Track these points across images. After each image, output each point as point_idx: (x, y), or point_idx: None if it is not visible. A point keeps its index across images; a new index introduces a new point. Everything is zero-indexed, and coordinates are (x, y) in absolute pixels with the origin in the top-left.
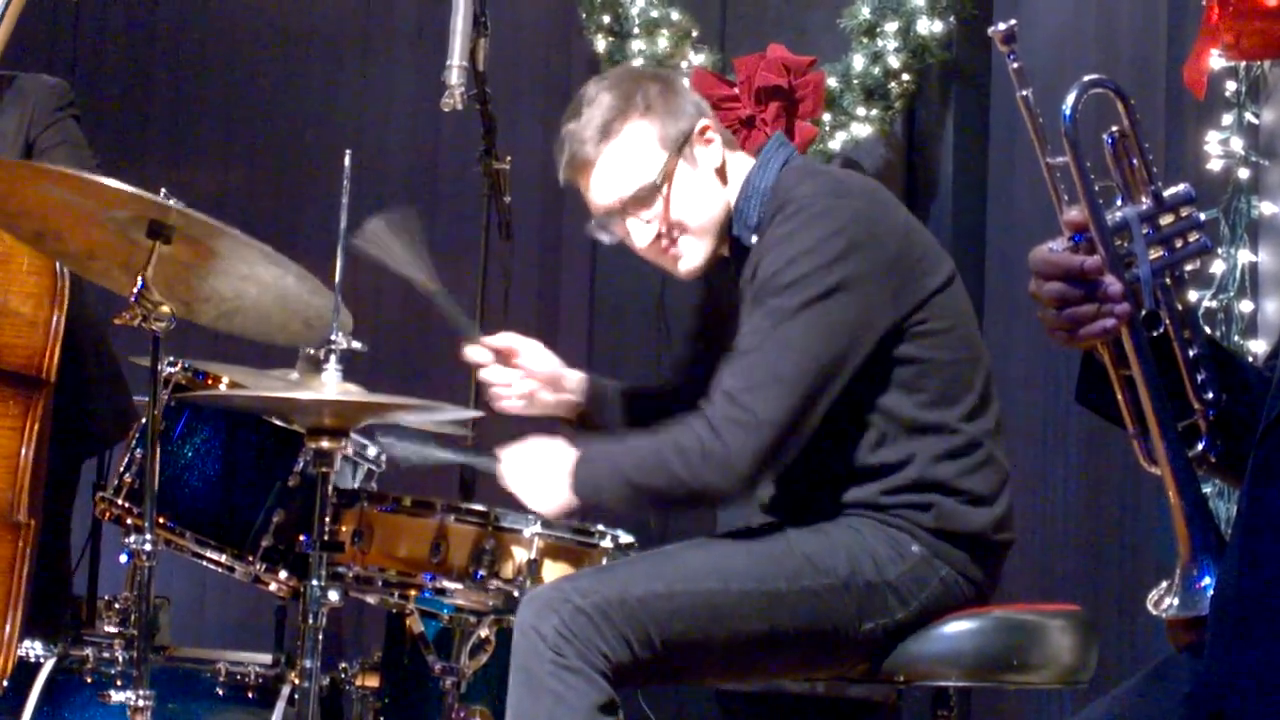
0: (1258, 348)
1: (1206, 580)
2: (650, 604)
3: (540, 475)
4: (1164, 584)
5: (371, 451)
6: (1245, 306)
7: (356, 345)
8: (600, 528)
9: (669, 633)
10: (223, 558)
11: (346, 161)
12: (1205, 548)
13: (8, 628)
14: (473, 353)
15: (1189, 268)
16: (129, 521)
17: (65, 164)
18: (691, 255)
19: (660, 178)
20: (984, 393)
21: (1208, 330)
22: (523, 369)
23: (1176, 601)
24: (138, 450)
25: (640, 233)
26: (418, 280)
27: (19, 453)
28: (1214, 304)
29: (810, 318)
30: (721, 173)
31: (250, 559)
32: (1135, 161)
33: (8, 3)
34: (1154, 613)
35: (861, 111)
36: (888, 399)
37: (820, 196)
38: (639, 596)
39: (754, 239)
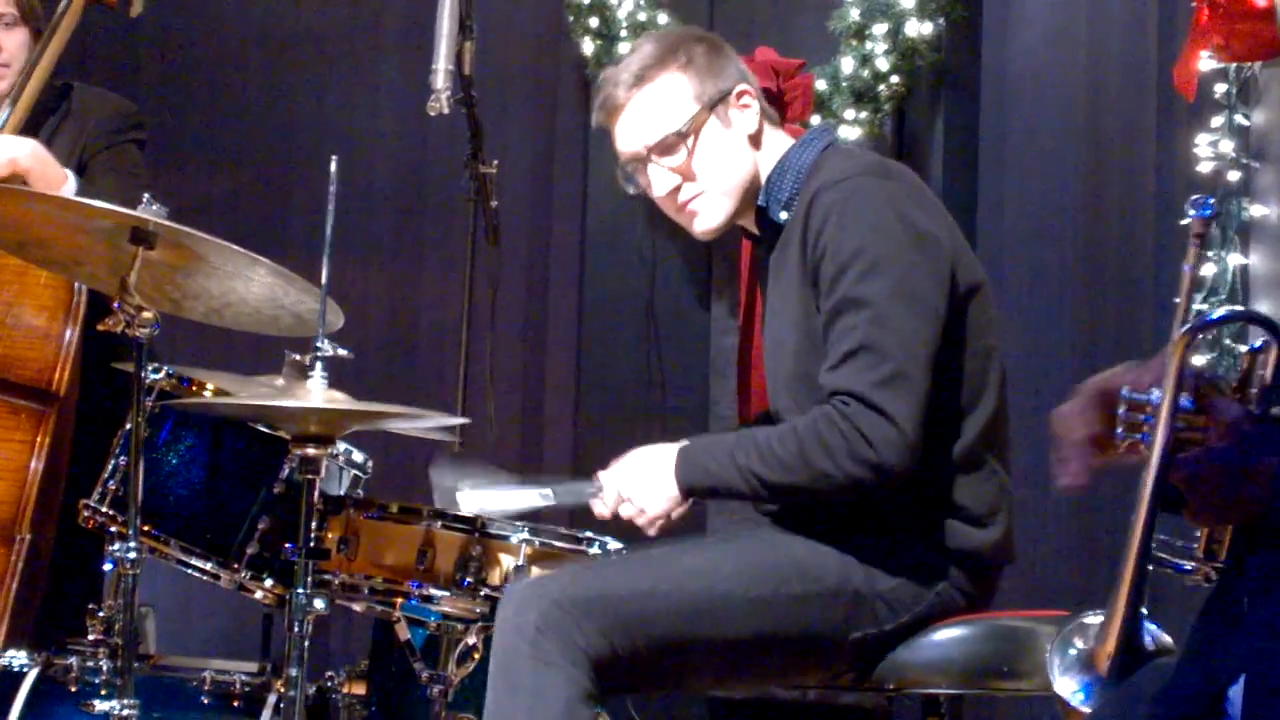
0: None
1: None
2: (632, 602)
3: (645, 478)
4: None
5: (358, 457)
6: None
7: (343, 352)
8: (589, 534)
9: (651, 632)
10: (208, 566)
11: (333, 168)
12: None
13: None
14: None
15: None
16: (113, 529)
17: (111, 192)
18: (709, 215)
19: (687, 128)
20: (996, 410)
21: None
22: None
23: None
24: (121, 458)
25: (661, 181)
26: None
27: (28, 466)
28: (1205, 307)
29: (904, 297)
30: (755, 140)
31: (235, 567)
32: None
33: (63, 11)
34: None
35: (851, 114)
36: None
37: (869, 177)
38: (621, 594)
39: (783, 215)
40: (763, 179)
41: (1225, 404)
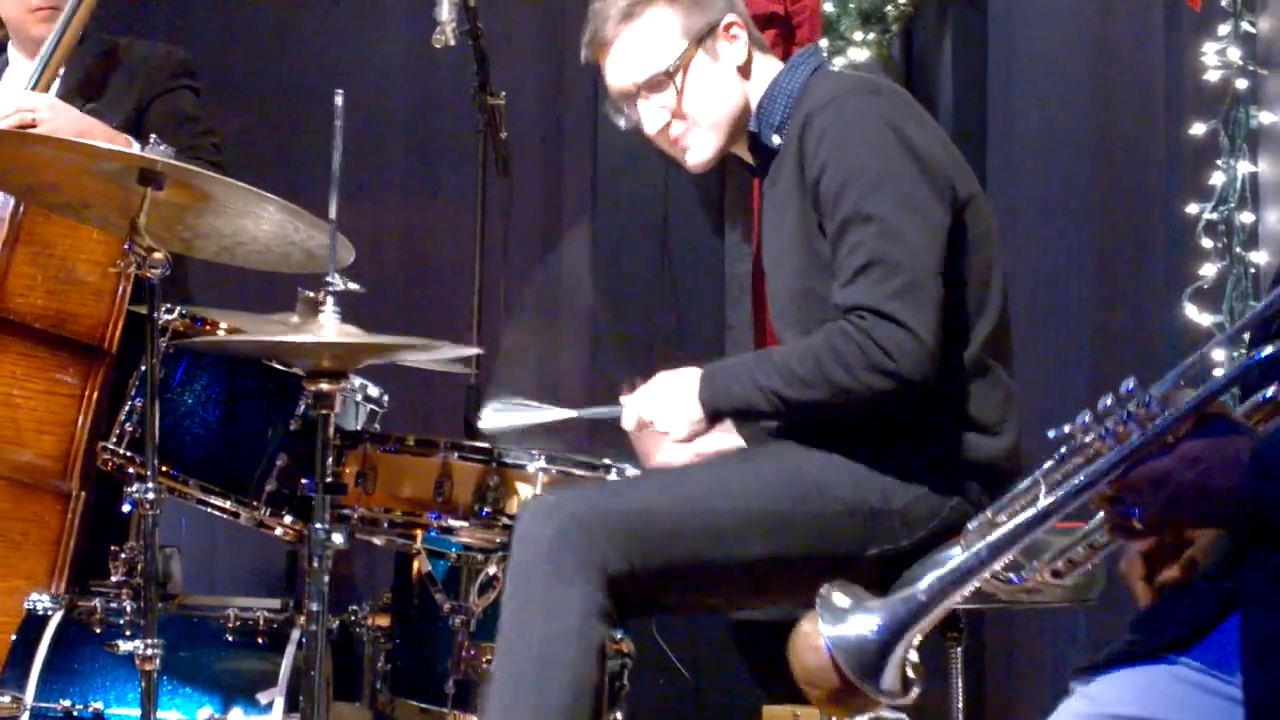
0: (1259, 259)
1: None
2: (652, 519)
3: (667, 402)
4: None
5: (373, 391)
6: (1246, 218)
7: (354, 286)
8: (606, 461)
9: (669, 551)
10: (227, 504)
11: (338, 102)
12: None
13: None
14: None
15: None
16: (131, 471)
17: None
18: (700, 148)
19: (675, 65)
20: (1000, 318)
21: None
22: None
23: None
24: (137, 399)
25: (651, 118)
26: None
27: (75, 420)
28: (1214, 216)
29: (909, 210)
30: (744, 70)
31: (255, 504)
32: None
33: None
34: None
35: (859, 36)
36: None
37: (860, 95)
38: (639, 512)
39: (776, 139)
40: (753, 107)
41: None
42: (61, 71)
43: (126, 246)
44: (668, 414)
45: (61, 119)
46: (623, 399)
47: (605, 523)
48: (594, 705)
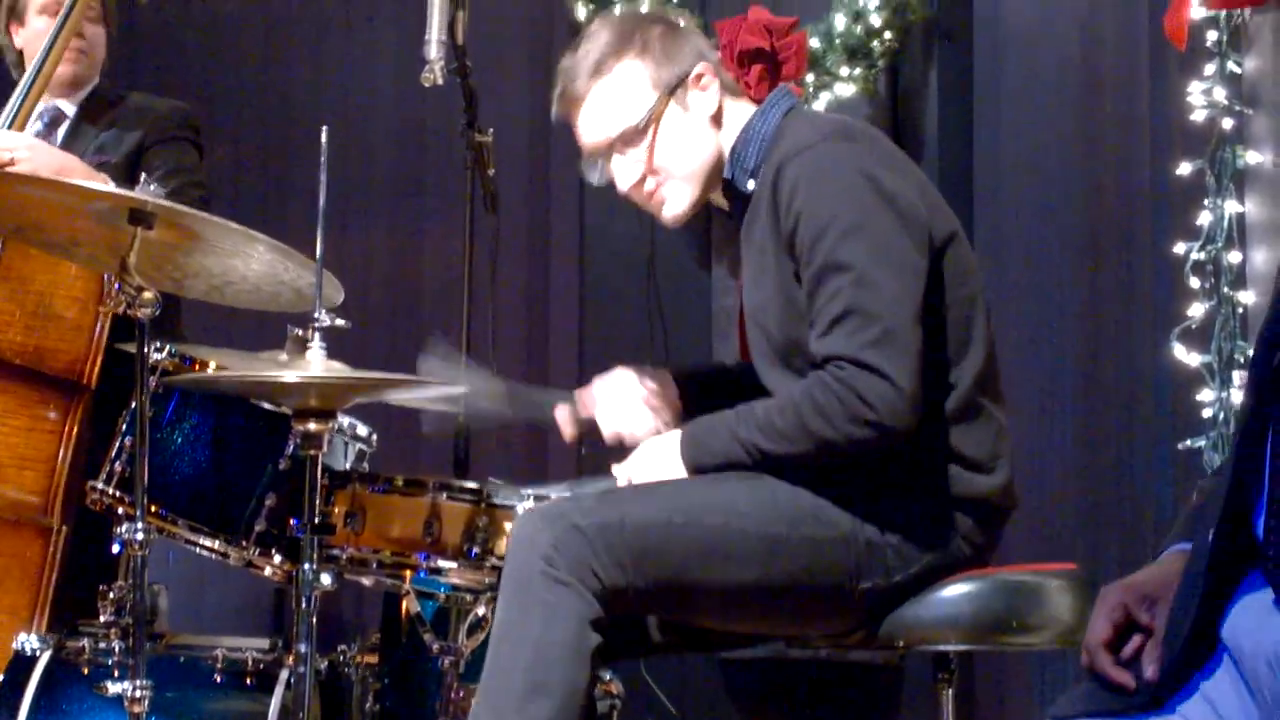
0: (1247, 299)
1: None
2: (649, 532)
3: (653, 469)
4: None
5: (362, 431)
6: (1234, 257)
7: (340, 322)
8: None
9: (664, 564)
10: (216, 544)
11: (324, 138)
12: None
13: None
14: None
15: None
16: (121, 510)
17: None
18: (675, 201)
19: (646, 119)
20: (987, 355)
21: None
22: (648, 400)
23: None
24: (127, 438)
25: (624, 174)
26: (488, 402)
27: (56, 455)
28: (1202, 255)
29: (883, 257)
30: (716, 119)
31: (244, 544)
32: None
33: (68, 13)
34: None
35: (845, 71)
36: None
37: (832, 142)
38: (638, 523)
39: (750, 184)
40: (726, 154)
41: None
42: (71, 111)
43: (116, 286)
44: (654, 478)
45: (41, 158)
46: (614, 469)
47: (604, 534)
48: (582, 717)
